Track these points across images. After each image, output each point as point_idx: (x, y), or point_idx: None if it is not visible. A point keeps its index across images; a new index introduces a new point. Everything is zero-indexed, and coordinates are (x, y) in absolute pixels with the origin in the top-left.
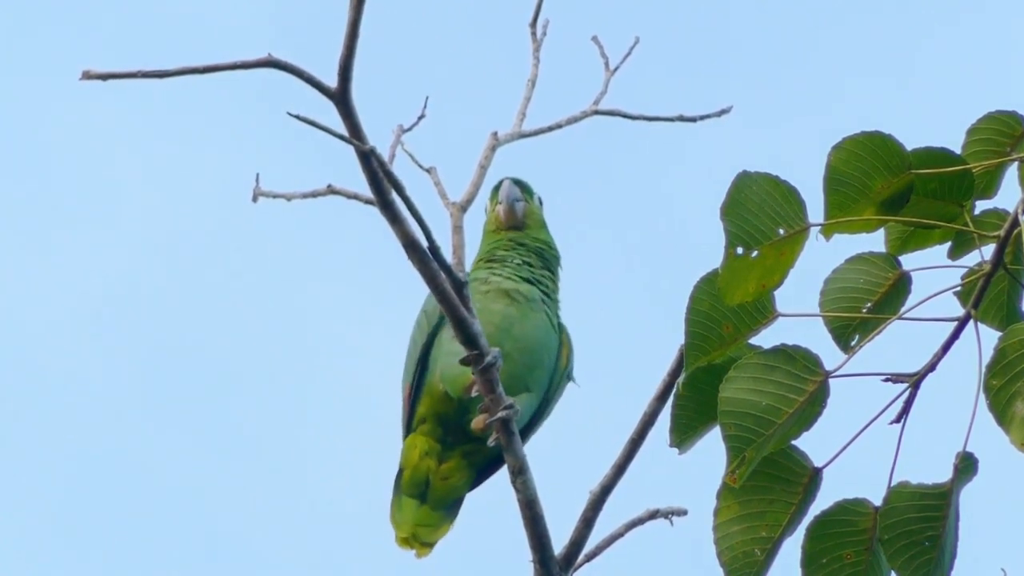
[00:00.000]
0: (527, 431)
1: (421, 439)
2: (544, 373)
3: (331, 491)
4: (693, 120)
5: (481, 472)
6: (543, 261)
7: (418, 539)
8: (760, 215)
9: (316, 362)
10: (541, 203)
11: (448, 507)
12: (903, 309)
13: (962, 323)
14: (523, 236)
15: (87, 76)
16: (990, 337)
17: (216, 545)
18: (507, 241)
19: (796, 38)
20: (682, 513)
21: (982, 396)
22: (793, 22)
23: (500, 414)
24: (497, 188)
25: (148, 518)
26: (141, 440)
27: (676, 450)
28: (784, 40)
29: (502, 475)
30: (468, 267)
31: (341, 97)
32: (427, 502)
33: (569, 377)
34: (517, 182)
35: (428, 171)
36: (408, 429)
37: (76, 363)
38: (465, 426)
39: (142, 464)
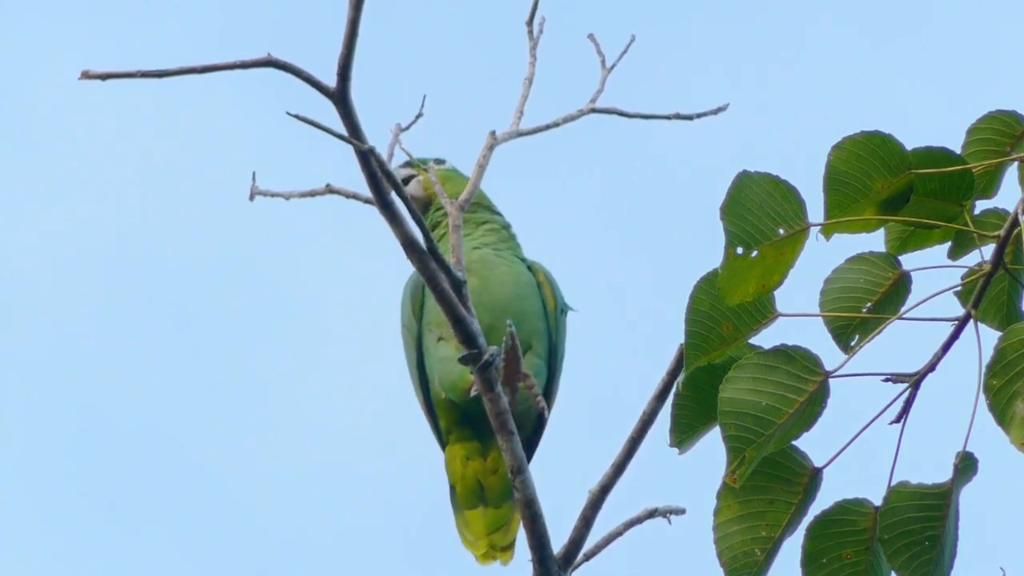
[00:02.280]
0: (551, 381)
1: (457, 447)
2: (536, 320)
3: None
4: (690, 118)
5: (527, 446)
6: (468, 215)
7: (496, 547)
8: (760, 215)
9: (317, 360)
10: (440, 161)
11: (511, 495)
12: (903, 309)
13: (962, 323)
14: (434, 209)
15: (86, 76)
16: (990, 337)
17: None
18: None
19: (795, 36)
20: (680, 512)
21: (982, 396)
22: (791, 20)
23: (533, 386)
24: None
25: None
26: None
27: (676, 450)
28: (783, 38)
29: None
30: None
31: (340, 97)
32: (489, 503)
33: (564, 310)
34: (406, 164)
35: (426, 170)
36: (442, 443)
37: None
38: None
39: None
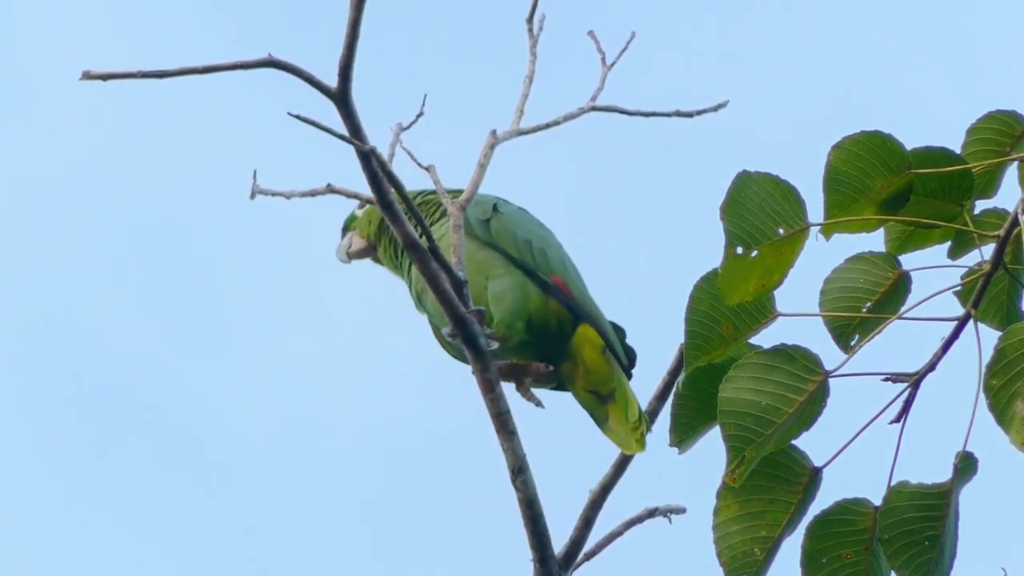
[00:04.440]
0: (537, 267)
1: (576, 390)
2: (479, 254)
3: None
4: (690, 115)
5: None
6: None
7: (638, 429)
8: (760, 215)
9: (317, 343)
10: (362, 205)
11: (611, 372)
12: (903, 309)
13: (962, 323)
14: (365, 246)
15: (87, 76)
16: (990, 337)
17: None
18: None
19: (796, 34)
20: (680, 511)
21: (982, 396)
22: (792, 17)
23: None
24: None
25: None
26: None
27: (676, 449)
28: (784, 36)
29: (503, 476)
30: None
31: (341, 97)
32: (608, 399)
33: (488, 217)
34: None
35: (427, 169)
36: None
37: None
38: (542, 347)
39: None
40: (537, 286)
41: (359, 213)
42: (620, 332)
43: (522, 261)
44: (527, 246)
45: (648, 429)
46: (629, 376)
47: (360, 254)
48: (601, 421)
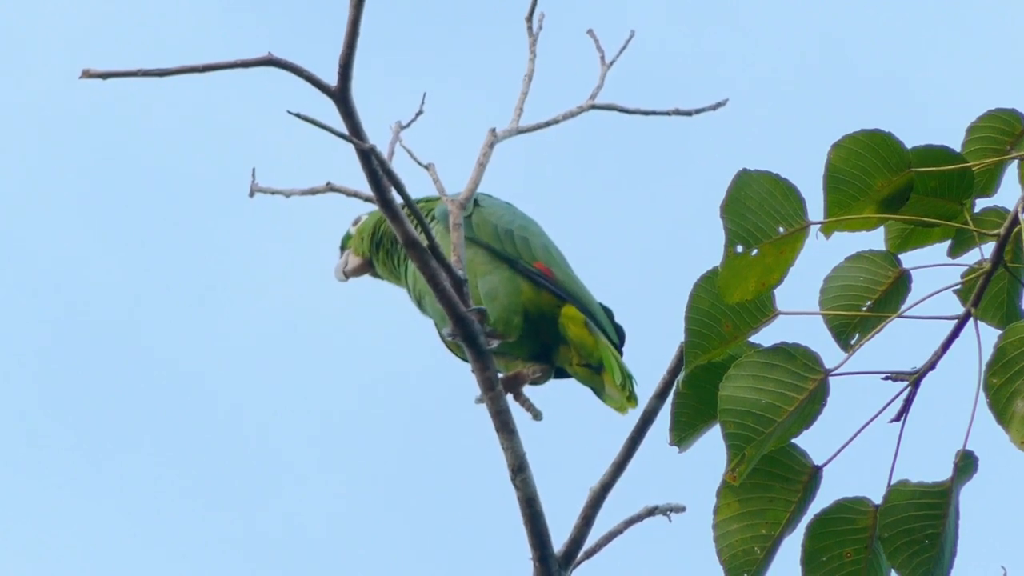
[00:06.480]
0: (517, 250)
1: (573, 368)
2: (468, 254)
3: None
4: (689, 114)
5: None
6: (385, 242)
7: (627, 391)
8: (760, 213)
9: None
10: (356, 222)
11: (598, 348)
12: (903, 307)
13: (962, 321)
14: (360, 263)
15: (87, 75)
16: (990, 335)
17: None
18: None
19: (794, 33)
20: (680, 510)
21: (982, 394)
22: (789, 16)
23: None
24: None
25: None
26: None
27: (676, 448)
28: (778, 37)
29: (503, 474)
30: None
31: (341, 96)
32: (601, 371)
33: (471, 212)
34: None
35: (426, 167)
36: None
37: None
38: (537, 337)
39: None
40: (524, 277)
41: (352, 231)
42: (608, 312)
43: (504, 252)
44: (508, 236)
45: (634, 384)
46: (620, 354)
47: (357, 271)
48: (599, 391)
